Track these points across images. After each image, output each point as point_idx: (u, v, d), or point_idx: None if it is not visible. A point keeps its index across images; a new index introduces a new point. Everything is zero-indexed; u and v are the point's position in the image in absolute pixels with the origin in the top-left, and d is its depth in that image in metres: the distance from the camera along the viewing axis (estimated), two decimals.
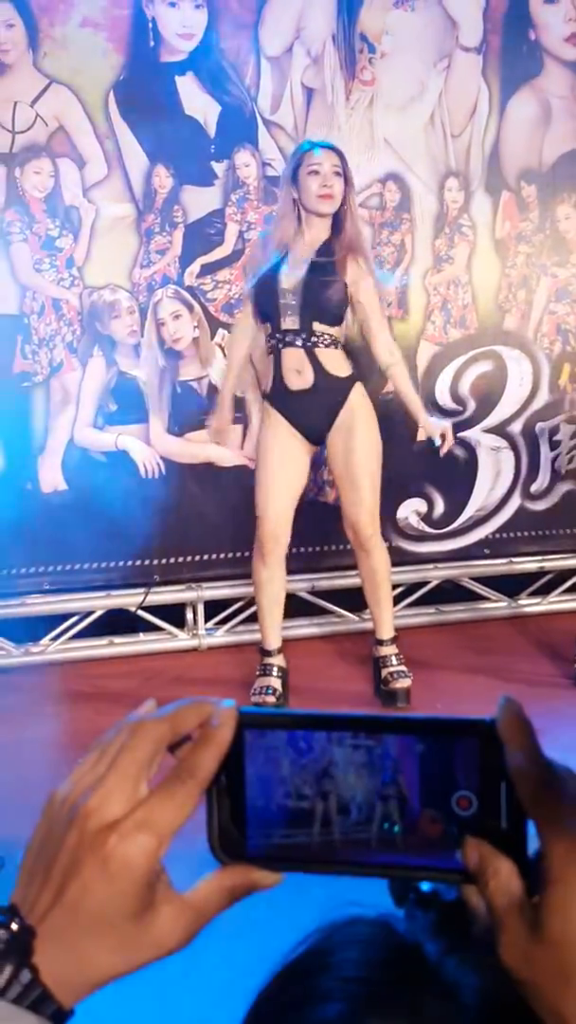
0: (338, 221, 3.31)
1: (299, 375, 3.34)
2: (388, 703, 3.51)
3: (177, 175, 3.91)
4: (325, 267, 3.28)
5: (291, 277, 3.29)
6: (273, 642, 3.54)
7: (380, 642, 3.59)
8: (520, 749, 0.52)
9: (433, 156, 4.10)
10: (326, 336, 3.33)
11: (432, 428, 3.53)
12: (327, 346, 3.33)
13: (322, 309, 3.30)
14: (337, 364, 3.37)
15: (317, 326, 3.31)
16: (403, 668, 3.56)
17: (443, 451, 3.56)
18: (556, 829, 0.50)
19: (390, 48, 3.97)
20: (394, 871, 0.55)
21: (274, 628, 3.54)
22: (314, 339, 3.31)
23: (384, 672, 3.56)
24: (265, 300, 3.33)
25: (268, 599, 3.51)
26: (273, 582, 3.50)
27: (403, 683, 3.53)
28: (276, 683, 3.49)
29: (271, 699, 3.46)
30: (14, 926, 0.53)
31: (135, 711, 0.59)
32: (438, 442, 3.52)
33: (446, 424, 3.60)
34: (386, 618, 3.58)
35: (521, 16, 4.11)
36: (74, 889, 0.53)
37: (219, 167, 3.94)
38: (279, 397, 3.38)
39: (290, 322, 3.31)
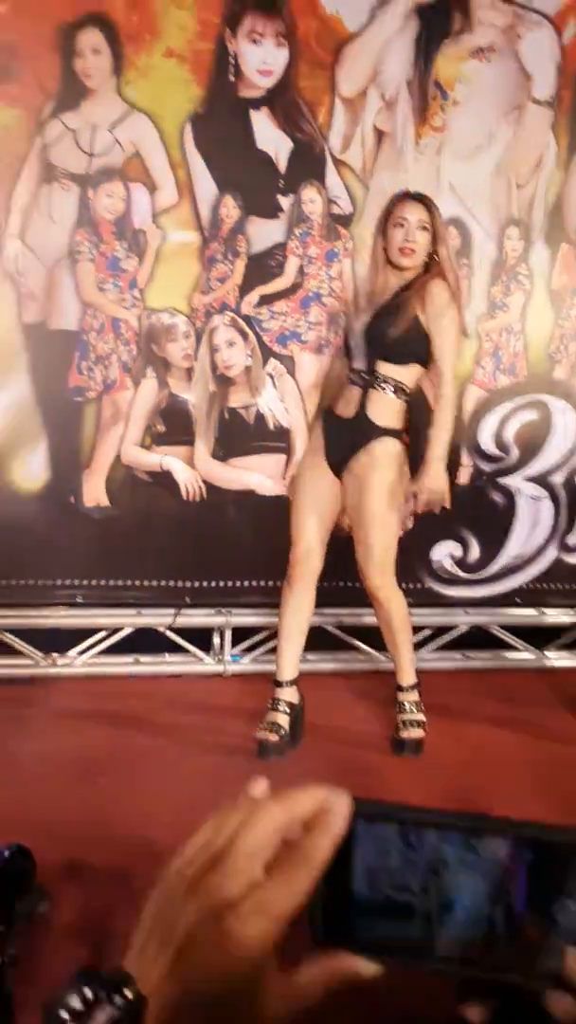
0: (424, 273, 3.35)
1: (347, 405, 3.39)
2: (397, 751, 3.48)
3: (244, 206, 3.96)
4: (395, 306, 3.31)
5: (362, 318, 3.37)
6: (288, 672, 3.50)
7: (400, 688, 3.57)
8: None
9: (496, 204, 4.13)
10: (389, 380, 3.34)
11: (430, 481, 3.30)
12: (383, 389, 3.35)
13: (386, 348, 3.32)
14: (380, 409, 3.35)
15: (381, 366, 3.34)
16: (419, 716, 3.51)
17: (416, 509, 3.37)
18: None
19: (463, 96, 4.02)
20: (489, 972, 0.56)
21: (291, 658, 3.50)
22: (375, 379, 3.34)
23: (398, 719, 3.52)
24: (347, 339, 3.45)
25: (290, 626, 3.48)
26: (300, 610, 3.47)
27: (414, 733, 3.48)
28: (283, 720, 3.45)
29: (274, 737, 3.40)
30: (129, 994, 0.53)
31: (250, 787, 0.60)
32: (419, 497, 3.30)
33: (444, 488, 3.36)
34: (404, 664, 3.54)
35: None
36: (189, 964, 0.54)
37: (285, 201, 3.99)
38: (326, 418, 3.48)
39: (359, 362, 3.37)
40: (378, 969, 0.56)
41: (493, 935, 0.55)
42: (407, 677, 3.55)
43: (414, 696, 3.54)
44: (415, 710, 3.52)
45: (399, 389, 3.36)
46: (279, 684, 3.52)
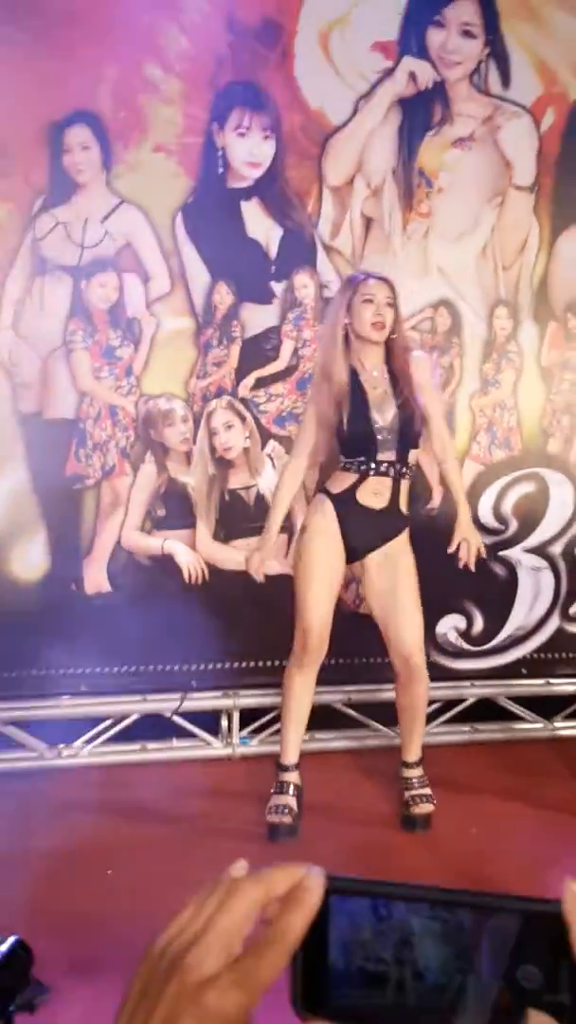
0: (389, 352, 3.42)
1: (376, 495, 3.40)
2: (408, 827, 3.47)
3: (237, 293, 4.06)
4: (407, 399, 3.38)
5: (385, 413, 3.37)
6: (293, 756, 3.51)
7: (407, 764, 3.56)
8: None
9: (484, 285, 4.25)
10: (412, 468, 3.45)
11: (468, 532, 3.52)
12: (408, 479, 3.44)
13: (414, 439, 3.42)
14: (406, 499, 3.46)
15: (411, 456, 3.43)
16: (427, 791, 3.52)
17: (464, 563, 3.54)
18: None
19: (447, 183, 4.16)
20: None
21: (297, 741, 3.51)
22: (404, 470, 3.41)
23: (407, 795, 3.52)
24: (361, 438, 3.37)
25: (298, 710, 3.48)
26: (307, 693, 3.49)
27: (425, 808, 3.49)
28: (292, 802, 3.45)
29: (288, 819, 3.39)
30: None
31: (231, 868, 0.63)
32: (463, 550, 3.51)
33: (482, 540, 3.61)
34: (419, 741, 3.58)
35: (573, 160, 4.30)
36: None
37: (278, 287, 4.09)
38: (344, 504, 3.40)
39: (387, 455, 3.38)
40: None
41: (462, 1002, 0.57)
42: (416, 752, 3.55)
43: (421, 771, 3.54)
44: (420, 784, 3.51)
45: (411, 470, 3.48)
46: (284, 768, 3.49)
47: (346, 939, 0.59)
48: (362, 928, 0.59)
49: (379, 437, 3.36)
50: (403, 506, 3.44)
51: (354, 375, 3.39)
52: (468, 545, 3.52)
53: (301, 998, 0.59)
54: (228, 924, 0.58)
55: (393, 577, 3.43)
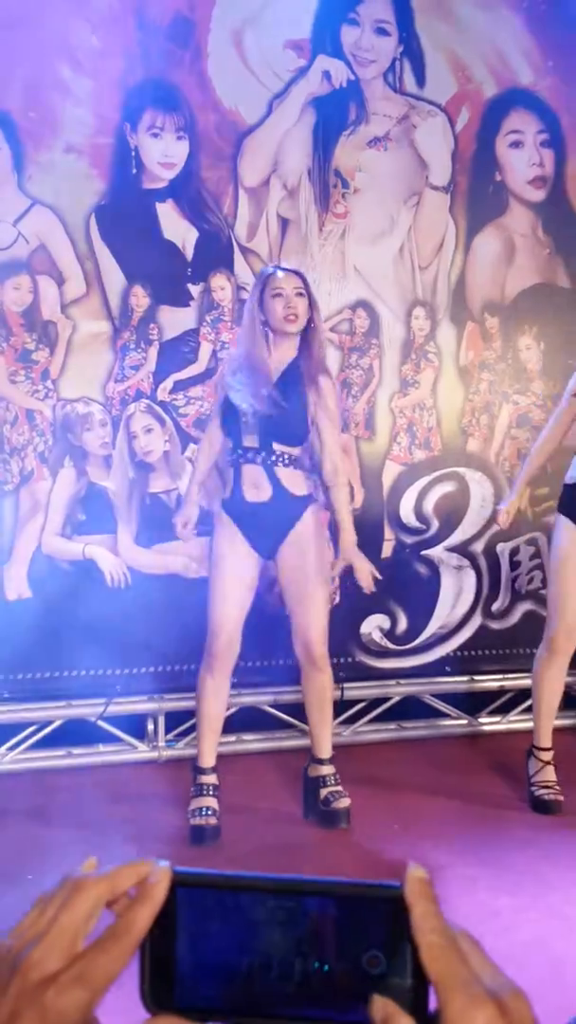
0: (305, 342, 3.41)
1: (256, 489, 3.40)
2: (328, 824, 3.47)
3: (154, 295, 4.02)
4: (288, 390, 3.36)
5: (257, 397, 3.36)
6: (211, 759, 3.50)
7: (320, 761, 3.57)
8: (422, 914, 0.57)
9: (401, 286, 4.25)
10: (285, 456, 3.40)
11: (353, 557, 3.50)
12: (286, 465, 3.40)
13: (282, 430, 3.38)
14: (295, 482, 3.43)
15: (276, 446, 3.39)
16: (340, 788, 3.53)
17: (365, 587, 3.54)
18: (451, 989, 0.54)
19: (363, 184, 4.16)
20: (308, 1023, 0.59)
21: (214, 744, 3.51)
22: (273, 458, 3.39)
23: (324, 792, 3.52)
24: (230, 417, 3.40)
25: (214, 713, 3.48)
26: (220, 695, 3.49)
27: (344, 803, 3.49)
28: (214, 803, 3.44)
29: (213, 820, 3.38)
30: None
31: (80, 866, 0.63)
32: (357, 575, 3.50)
33: (370, 567, 3.55)
34: (328, 736, 3.59)
35: (488, 159, 4.33)
36: None
37: (195, 289, 4.06)
38: (235, 507, 3.42)
39: (250, 440, 3.38)
40: None
41: (310, 988, 0.58)
42: (327, 749, 3.57)
43: (333, 768, 3.57)
44: (337, 782, 3.53)
45: (296, 462, 3.43)
46: (203, 771, 3.49)
47: (194, 932, 0.59)
48: (209, 920, 0.59)
49: (243, 419, 3.36)
50: (295, 491, 3.42)
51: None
52: (357, 571, 3.51)
53: (149, 993, 0.59)
54: (70, 921, 0.58)
55: (300, 566, 3.43)
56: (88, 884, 0.60)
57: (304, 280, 3.41)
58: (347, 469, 4.06)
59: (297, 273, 3.42)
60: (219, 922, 0.59)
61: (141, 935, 0.58)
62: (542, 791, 3.65)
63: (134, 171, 3.97)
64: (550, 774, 3.69)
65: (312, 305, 3.40)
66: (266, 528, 3.41)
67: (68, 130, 3.89)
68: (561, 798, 3.62)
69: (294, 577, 3.44)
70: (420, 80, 4.19)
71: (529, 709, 4.53)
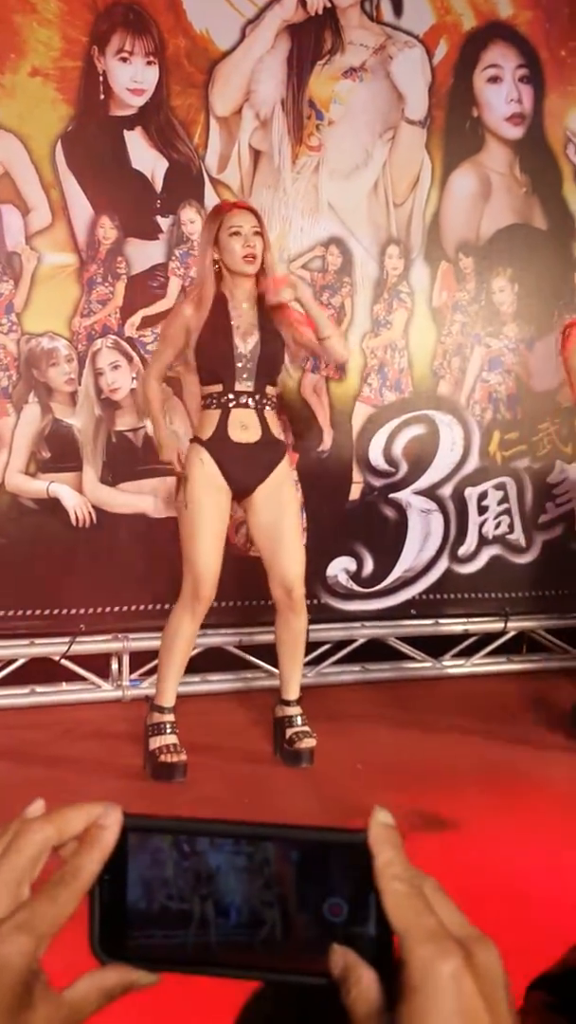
0: (258, 280, 3.34)
1: (245, 429, 3.35)
2: (293, 763, 3.48)
3: (122, 227, 3.92)
4: (272, 331, 3.32)
5: (247, 342, 3.31)
6: (173, 698, 3.48)
7: (287, 702, 3.57)
8: (387, 861, 0.54)
9: (375, 223, 4.18)
10: (272, 398, 3.38)
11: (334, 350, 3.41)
12: (272, 407, 3.39)
13: (273, 371, 3.35)
14: (276, 425, 3.43)
15: (269, 388, 3.36)
16: (308, 728, 3.53)
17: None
18: (415, 940, 0.52)
19: (338, 116, 4.06)
20: (266, 974, 0.58)
21: (176, 684, 3.49)
22: (265, 400, 3.35)
23: (290, 732, 3.52)
24: (219, 363, 3.32)
25: (183, 653, 3.44)
26: (192, 636, 3.46)
27: (308, 743, 3.50)
28: (176, 739, 3.43)
29: (184, 757, 3.36)
30: None
31: (26, 810, 0.60)
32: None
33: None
34: (298, 678, 3.59)
35: (465, 94, 4.24)
36: None
37: (164, 222, 3.97)
38: (218, 446, 3.35)
39: (245, 385, 3.33)
40: (155, 979, 0.57)
41: (268, 937, 0.56)
42: (296, 691, 3.57)
43: (300, 708, 3.57)
44: (302, 722, 3.54)
45: (275, 403, 3.42)
46: (162, 709, 3.48)
47: (146, 878, 0.57)
48: (163, 866, 0.57)
49: (238, 364, 3.31)
50: (276, 434, 3.41)
51: (223, 303, 3.31)
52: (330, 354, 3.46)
53: (99, 941, 0.57)
54: (13, 867, 0.55)
55: (277, 509, 3.41)
56: (34, 827, 0.57)
57: (260, 218, 3.32)
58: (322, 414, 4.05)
59: (252, 211, 3.34)
60: (173, 868, 0.57)
61: (89, 881, 0.56)
62: None
63: (102, 96, 3.85)
64: None
65: (266, 243, 3.32)
66: (249, 469, 3.37)
67: (34, 52, 3.76)
68: None
69: (272, 520, 3.41)
70: (398, 9, 4.08)
71: (494, 653, 4.59)
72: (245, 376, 3.31)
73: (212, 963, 0.57)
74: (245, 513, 3.51)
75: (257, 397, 3.33)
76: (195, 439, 3.41)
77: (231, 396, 3.34)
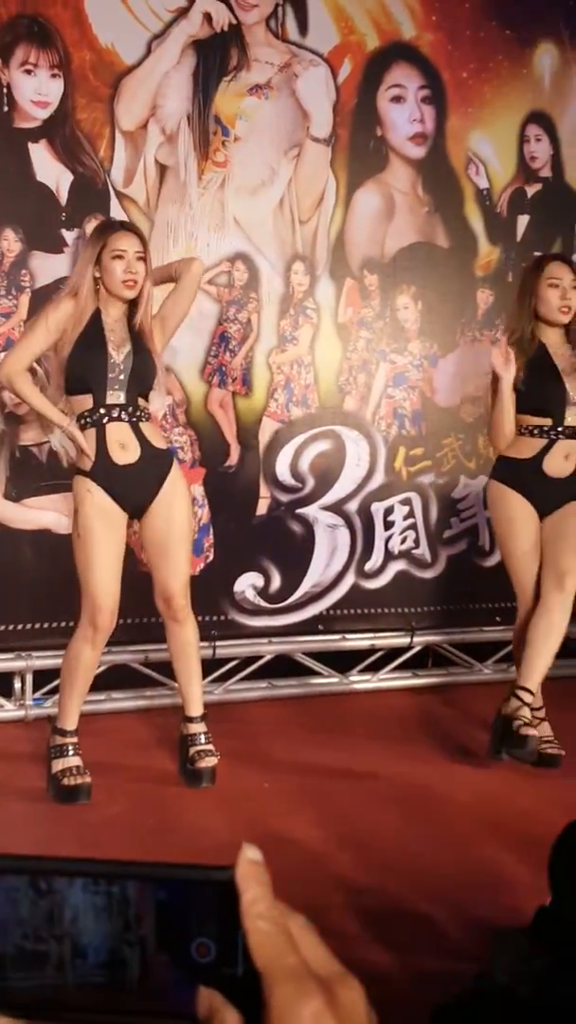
0: (133, 302, 3.32)
1: (124, 449, 3.31)
2: (194, 783, 3.45)
3: (26, 240, 3.86)
4: (143, 345, 3.31)
5: (120, 352, 3.28)
6: (75, 722, 3.44)
7: (190, 719, 3.52)
8: (252, 899, 0.53)
9: (281, 239, 4.20)
10: (146, 410, 3.36)
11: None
12: (147, 419, 3.36)
13: (145, 384, 3.33)
14: (157, 437, 3.42)
15: (141, 401, 3.34)
16: (211, 747, 3.49)
17: None
18: (276, 980, 0.51)
19: (244, 133, 4.07)
20: (128, 1018, 0.55)
21: (79, 707, 3.45)
22: (139, 413, 3.33)
23: (192, 751, 3.48)
24: (91, 372, 3.27)
25: (84, 679, 3.41)
26: (93, 663, 3.42)
27: (210, 762, 3.46)
28: (80, 761, 3.38)
29: (88, 778, 3.32)
30: None
31: None
32: None
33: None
34: (198, 693, 3.54)
35: (369, 113, 4.29)
36: None
37: (69, 235, 3.92)
38: (103, 473, 3.30)
39: (115, 397, 3.28)
40: (10, 1023, 0.55)
41: (130, 979, 0.55)
42: (198, 707, 3.53)
43: (204, 726, 3.53)
44: (206, 740, 3.51)
45: (149, 415, 3.41)
46: (65, 732, 3.43)
47: (2, 919, 0.55)
48: (19, 905, 0.55)
49: (110, 375, 3.26)
50: (157, 444, 3.39)
51: (97, 316, 3.29)
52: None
53: None
54: None
55: (168, 521, 3.38)
56: None
57: (144, 243, 3.30)
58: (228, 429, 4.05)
59: (138, 234, 3.32)
60: (30, 907, 0.55)
61: None
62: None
63: (5, 108, 3.79)
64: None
65: (147, 271, 3.29)
66: (136, 488, 3.34)
67: None
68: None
69: (159, 532, 3.39)
70: (303, 28, 4.12)
71: (399, 668, 4.63)
72: (117, 387, 3.28)
73: (67, 1007, 0.55)
74: (139, 528, 3.48)
75: (130, 410, 3.30)
76: (78, 471, 3.36)
77: (103, 411, 3.29)
